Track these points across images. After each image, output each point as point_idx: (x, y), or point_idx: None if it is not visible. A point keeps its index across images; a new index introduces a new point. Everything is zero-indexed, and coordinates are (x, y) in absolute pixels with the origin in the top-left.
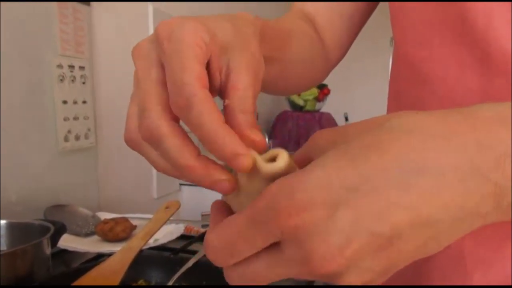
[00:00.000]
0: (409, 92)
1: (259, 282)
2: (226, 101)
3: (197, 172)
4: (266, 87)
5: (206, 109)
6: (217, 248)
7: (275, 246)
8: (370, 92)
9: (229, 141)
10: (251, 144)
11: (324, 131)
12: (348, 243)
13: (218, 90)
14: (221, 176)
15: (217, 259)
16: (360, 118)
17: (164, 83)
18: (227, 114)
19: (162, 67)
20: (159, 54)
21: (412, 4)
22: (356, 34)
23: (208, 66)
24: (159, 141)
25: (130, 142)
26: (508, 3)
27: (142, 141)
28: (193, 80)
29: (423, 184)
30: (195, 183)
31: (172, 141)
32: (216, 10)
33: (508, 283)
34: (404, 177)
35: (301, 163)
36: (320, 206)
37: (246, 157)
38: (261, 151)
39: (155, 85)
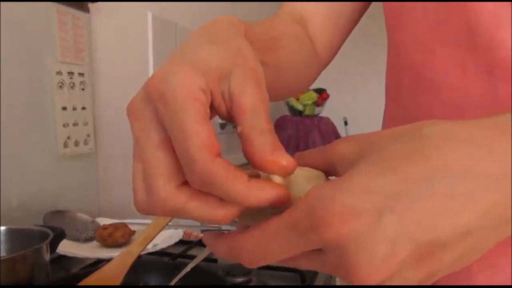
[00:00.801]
0: (410, 97)
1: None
2: (239, 128)
3: (227, 219)
4: None
5: (228, 181)
6: (250, 251)
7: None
8: (369, 96)
9: (258, 199)
10: (278, 169)
11: (347, 140)
12: (392, 254)
13: (227, 116)
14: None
15: (248, 261)
16: (360, 122)
17: (166, 144)
18: (243, 142)
19: (161, 126)
20: (155, 113)
21: (412, 7)
22: (346, 35)
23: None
24: (176, 212)
25: (143, 212)
26: None
27: (155, 209)
28: (201, 154)
29: (466, 191)
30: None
31: (191, 207)
32: (216, 13)
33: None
34: (448, 185)
35: (322, 169)
36: (363, 215)
37: (280, 198)
38: (287, 172)
39: (156, 150)
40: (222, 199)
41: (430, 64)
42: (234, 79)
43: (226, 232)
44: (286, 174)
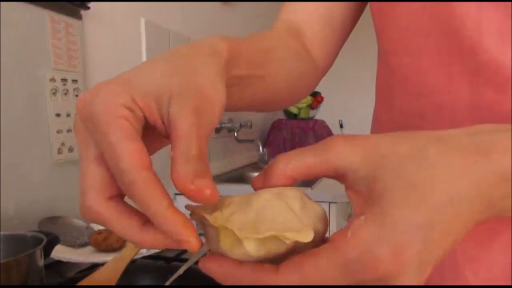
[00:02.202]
0: (398, 100)
1: None
2: (172, 154)
3: (146, 243)
4: (255, 106)
5: (148, 195)
6: (296, 284)
7: None
8: (364, 99)
9: (171, 228)
10: (199, 198)
11: (348, 143)
12: (425, 275)
13: (168, 137)
14: (168, 242)
15: None
16: (355, 125)
17: (100, 159)
18: (172, 169)
19: (95, 143)
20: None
21: (398, 13)
22: (343, 41)
23: (148, 121)
24: (101, 221)
25: (84, 217)
26: (498, 15)
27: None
28: (128, 164)
29: (463, 211)
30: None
31: (113, 222)
32: (208, 18)
33: (497, 279)
34: (454, 212)
35: (322, 172)
36: (407, 249)
37: (188, 242)
38: (209, 201)
39: (91, 164)
40: (144, 224)
41: (416, 68)
42: (173, 104)
43: (246, 266)
44: (209, 202)
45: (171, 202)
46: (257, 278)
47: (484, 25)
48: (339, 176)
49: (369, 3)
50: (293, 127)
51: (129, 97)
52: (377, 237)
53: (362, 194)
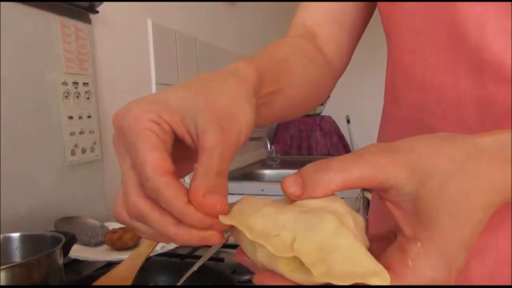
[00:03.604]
0: (407, 97)
1: None
2: (195, 165)
3: (180, 238)
4: (279, 118)
5: (169, 197)
6: None
7: None
8: (371, 94)
9: (194, 221)
10: (207, 210)
11: (392, 159)
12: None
13: (196, 148)
14: (205, 235)
15: None
16: (361, 120)
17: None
18: (192, 178)
19: None
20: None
21: (405, 12)
22: (356, 42)
23: (177, 135)
24: (142, 217)
25: (119, 218)
26: (501, 12)
27: (128, 217)
28: (151, 172)
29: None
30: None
31: (152, 216)
32: (212, 18)
33: (503, 268)
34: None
35: (365, 186)
36: (456, 268)
37: (215, 225)
38: (216, 215)
39: (129, 171)
40: (179, 222)
41: (422, 65)
42: (199, 119)
43: None
44: (213, 214)
45: (188, 200)
46: None
47: (487, 24)
48: (381, 190)
49: (377, 3)
50: (300, 124)
51: (156, 112)
52: (436, 266)
53: (406, 211)
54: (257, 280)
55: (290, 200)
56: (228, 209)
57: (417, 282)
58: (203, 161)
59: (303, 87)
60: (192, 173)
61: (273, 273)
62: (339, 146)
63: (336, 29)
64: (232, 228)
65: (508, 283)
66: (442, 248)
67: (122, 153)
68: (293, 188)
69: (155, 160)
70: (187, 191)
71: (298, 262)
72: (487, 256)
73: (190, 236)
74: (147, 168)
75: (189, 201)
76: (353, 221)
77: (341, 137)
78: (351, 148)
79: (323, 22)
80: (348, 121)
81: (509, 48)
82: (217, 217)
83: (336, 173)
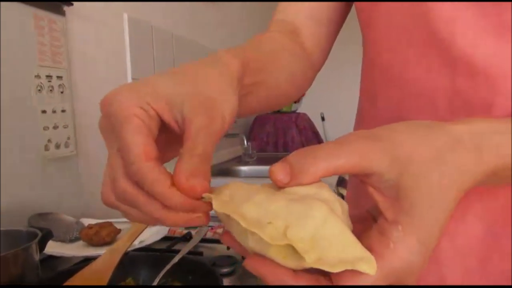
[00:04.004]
0: (384, 93)
1: None
2: (181, 149)
3: (167, 221)
4: (259, 109)
5: (152, 181)
6: None
7: None
8: (345, 92)
9: (178, 203)
10: (189, 192)
11: (375, 146)
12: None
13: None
14: (190, 217)
15: None
16: (335, 117)
17: None
18: (176, 163)
19: None
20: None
21: (382, 11)
22: (335, 37)
23: (163, 121)
24: (131, 201)
25: (107, 201)
26: (469, 11)
27: (115, 200)
28: (136, 157)
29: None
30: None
31: (140, 200)
32: (190, 13)
33: (473, 250)
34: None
35: (349, 171)
36: (431, 251)
37: (199, 217)
38: (196, 197)
39: (116, 155)
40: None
41: (397, 60)
42: (185, 106)
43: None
44: (193, 196)
45: (171, 183)
46: None
47: (456, 23)
48: (363, 175)
49: (354, 2)
50: (276, 121)
51: (143, 99)
52: (416, 250)
53: (387, 197)
54: (248, 265)
55: (278, 187)
56: (210, 192)
57: (397, 264)
58: (187, 146)
59: (285, 80)
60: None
61: (264, 258)
62: (315, 142)
63: (314, 24)
64: (221, 213)
65: (479, 265)
66: (420, 233)
67: (109, 138)
68: (281, 175)
69: (139, 145)
70: (170, 176)
71: (290, 248)
72: (458, 238)
73: (177, 218)
74: (131, 153)
75: (172, 185)
76: (341, 208)
77: (316, 134)
78: None
79: (302, 18)
80: (323, 119)
81: (477, 44)
82: (199, 199)
83: (323, 161)
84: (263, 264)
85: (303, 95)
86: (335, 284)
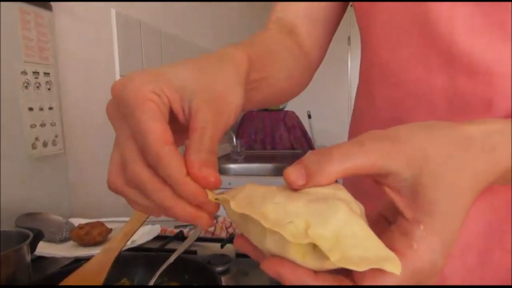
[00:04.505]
0: (382, 93)
1: None
2: (186, 142)
3: (176, 210)
4: (259, 105)
5: (169, 165)
6: None
7: None
8: (331, 90)
9: (191, 190)
10: (202, 182)
11: (392, 146)
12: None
13: (187, 125)
14: (198, 213)
15: None
16: (322, 115)
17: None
18: (185, 154)
19: None
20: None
21: (381, 11)
22: (332, 35)
23: (171, 109)
24: (141, 185)
25: (113, 186)
26: (470, 11)
27: (124, 185)
28: (153, 141)
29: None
30: (178, 220)
31: (152, 184)
32: (178, 10)
33: (473, 243)
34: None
35: (365, 173)
36: (451, 249)
37: (206, 203)
38: (211, 188)
39: (129, 140)
40: (176, 194)
41: (396, 61)
42: (194, 99)
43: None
44: (212, 188)
45: (188, 173)
46: None
47: (456, 22)
48: (380, 176)
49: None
50: (264, 119)
51: (158, 85)
52: (438, 250)
53: (406, 196)
54: (267, 266)
55: (293, 189)
56: (220, 181)
57: (420, 264)
58: (194, 138)
59: (285, 78)
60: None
61: (283, 259)
62: (302, 140)
63: (312, 24)
64: (237, 216)
65: (479, 261)
66: (442, 232)
67: (119, 122)
68: (296, 177)
69: (157, 129)
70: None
71: (310, 248)
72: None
73: (184, 211)
74: (149, 137)
75: (187, 174)
76: (359, 209)
77: (304, 132)
78: (313, 142)
79: (300, 17)
80: (309, 116)
81: (476, 43)
82: (206, 195)
83: (339, 161)
84: (283, 265)
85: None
86: (358, 284)
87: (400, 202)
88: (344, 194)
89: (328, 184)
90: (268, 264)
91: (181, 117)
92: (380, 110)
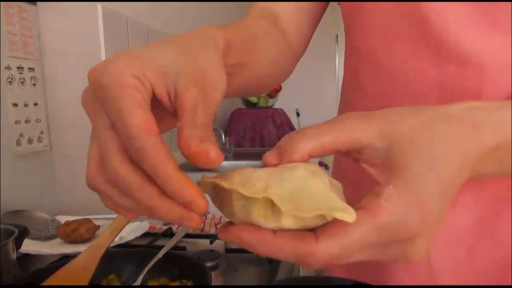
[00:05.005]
0: (368, 83)
1: (347, 262)
2: (178, 124)
3: (162, 211)
4: (240, 92)
5: (156, 158)
6: (333, 256)
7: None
8: (318, 87)
9: (179, 188)
10: (204, 160)
11: (363, 120)
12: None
13: (173, 112)
14: (187, 214)
15: (318, 265)
16: (310, 112)
17: (115, 127)
18: (178, 136)
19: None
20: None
21: (371, 3)
22: (315, 26)
23: (154, 94)
24: (124, 184)
25: (93, 184)
26: (461, 1)
27: (105, 183)
28: (138, 131)
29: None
30: (162, 220)
31: (136, 182)
32: (166, 5)
33: (462, 237)
34: (460, 178)
35: (338, 148)
36: (432, 214)
37: (195, 203)
38: (214, 165)
39: (107, 132)
40: (163, 193)
41: (386, 51)
42: (180, 80)
43: (280, 233)
44: (214, 165)
45: (177, 166)
46: (296, 247)
47: (447, 13)
48: (354, 151)
49: None
50: (253, 116)
51: (139, 68)
52: (408, 204)
53: (379, 165)
54: (226, 234)
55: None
56: (222, 156)
57: (387, 219)
58: (187, 116)
59: (267, 66)
60: None
61: (248, 225)
62: None
63: (296, 12)
64: (216, 198)
65: (468, 254)
66: (414, 188)
67: (96, 111)
68: (271, 157)
69: (140, 118)
70: (173, 156)
71: (270, 210)
72: (446, 227)
73: (171, 211)
74: (132, 127)
75: (176, 167)
76: (329, 181)
77: (292, 129)
78: None
79: (283, 5)
80: (298, 114)
81: (467, 32)
82: (198, 190)
83: (312, 138)
84: (241, 229)
85: (280, 89)
86: (320, 239)
87: (375, 172)
88: (317, 168)
89: (301, 160)
90: (228, 232)
91: (166, 101)
92: (369, 101)
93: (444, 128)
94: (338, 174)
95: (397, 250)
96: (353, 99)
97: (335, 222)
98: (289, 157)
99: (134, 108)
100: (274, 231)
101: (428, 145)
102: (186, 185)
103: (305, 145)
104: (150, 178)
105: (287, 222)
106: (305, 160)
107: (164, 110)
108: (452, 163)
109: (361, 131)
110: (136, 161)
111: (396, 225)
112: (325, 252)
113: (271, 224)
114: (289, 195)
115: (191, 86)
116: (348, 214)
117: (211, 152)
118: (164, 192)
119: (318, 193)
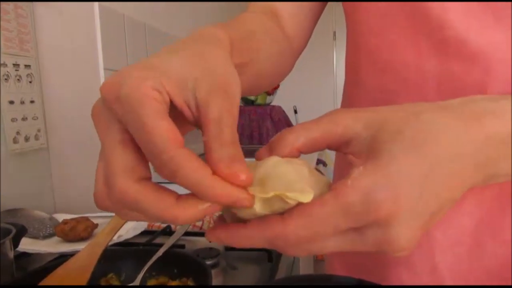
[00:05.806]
0: (369, 78)
1: (326, 252)
2: (204, 138)
3: (180, 219)
4: (244, 92)
5: (190, 168)
6: (301, 237)
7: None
8: (316, 85)
9: (221, 192)
10: (234, 180)
11: (351, 114)
12: (422, 227)
13: (194, 122)
14: (202, 211)
15: (296, 248)
16: (307, 110)
17: (126, 142)
18: (206, 152)
19: (120, 126)
20: (113, 114)
21: None
22: (315, 22)
23: (172, 105)
24: (133, 204)
25: (102, 207)
26: None
27: (113, 205)
28: (167, 144)
29: (459, 168)
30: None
31: (147, 200)
32: (165, 5)
33: (465, 237)
34: (448, 167)
35: (327, 143)
36: (407, 196)
37: (245, 200)
38: (246, 187)
39: (116, 147)
40: (178, 199)
41: (386, 46)
42: (199, 89)
43: (249, 222)
44: (244, 186)
45: (211, 171)
46: (264, 230)
47: (451, 10)
48: (342, 144)
49: None
50: (251, 113)
51: (157, 79)
52: (376, 183)
53: (362, 154)
54: (208, 236)
55: None
56: (252, 176)
57: (355, 197)
58: (212, 132)
59: (267, 63)
60: None
61: (221, 224)
62: None
63: (296, 7)
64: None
65: (471, 253)
66: (386, 169)
67: (106, 125)
68: (262, 153)
69: (167, 131)
70: (205, 163)
71: None
72: (449, 227)
73: (191, 215)
74: (159, 140)
75: (214, 173)
76: (309, 172)
77: (290, 126)
78: None
79: (284, 2)
80: (295, 111)
81: (471, 27)
82: (244, 192)
83: (301, 133)
84: (216, 228)
85: (277, 86)
86: (286, 218)
87: (358, 163)
88: (299, 160)
89: (289, 154)
90: (209, 234)
91: (186, 111)
92: (369, 95)
93: (433, 116)
94: (339, 173)
95: (373, 236)
96: (355, 96)
97: (300, 204)
98: (279, 152)
99: (159, 119)
100: (246, 222)
101: (411, 130)
102: (228, 187)
103: (294, 140)
104: (160, 190)
105: (257, 208)
106: (296, 155)
107: (177, 119)
108: (440, 150)
109: (348, 124)
110: (162, 174)
111: (364, 205)
112: (292, 232)
113: (246, 211)
114: (259, 180)
115: (213, 94)
116: (303, 195)
117: (242, 174)
118: (178, 198)
119: (284, 177)
